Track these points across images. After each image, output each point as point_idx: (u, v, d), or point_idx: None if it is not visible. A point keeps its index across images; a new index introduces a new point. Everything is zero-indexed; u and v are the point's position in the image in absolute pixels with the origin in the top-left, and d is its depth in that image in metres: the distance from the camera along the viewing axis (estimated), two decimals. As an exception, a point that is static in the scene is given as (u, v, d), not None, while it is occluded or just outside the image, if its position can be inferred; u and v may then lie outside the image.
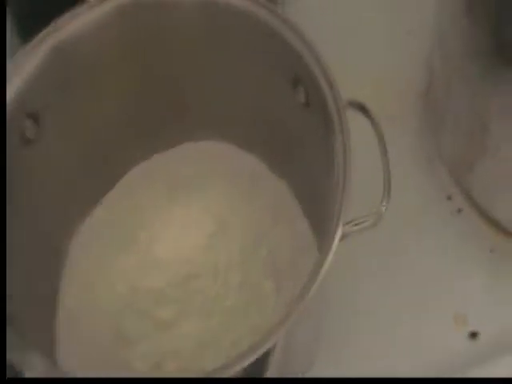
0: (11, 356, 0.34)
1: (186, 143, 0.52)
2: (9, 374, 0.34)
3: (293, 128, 0.45)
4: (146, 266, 0.46)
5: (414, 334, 0.47)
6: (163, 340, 0.43)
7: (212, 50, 0.46)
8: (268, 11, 0.42)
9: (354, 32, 0.58)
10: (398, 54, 0.57)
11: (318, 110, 0.40)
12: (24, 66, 0.41)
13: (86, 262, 0.48)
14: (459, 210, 0.52)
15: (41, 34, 0.41)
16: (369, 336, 0.47)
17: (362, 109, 0.40)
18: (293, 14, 0.43)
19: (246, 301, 0.44)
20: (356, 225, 0.36)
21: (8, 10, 0.54)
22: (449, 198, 0.52)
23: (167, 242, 0.46)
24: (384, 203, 0.37)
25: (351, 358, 0.46)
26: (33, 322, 0.42)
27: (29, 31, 0.43)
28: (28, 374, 0.34)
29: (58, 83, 0.43)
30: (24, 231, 0.43)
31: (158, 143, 0.51)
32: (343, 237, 0.35)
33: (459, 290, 0.49)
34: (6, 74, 0.41)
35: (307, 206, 0.47)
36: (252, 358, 0.32)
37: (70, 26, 0.42)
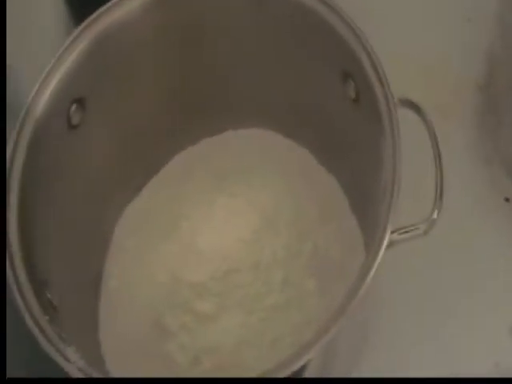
0: (50, 349, 0.34)
1: (232, 131, 0.51)
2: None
3: (342, 123, 0.44)
4: (187, 257, 0.45)
5: (464, 344, 0.45)
6: (203, 334, 0.43)
7: (260, 39, 0.45)
8: (319, 1, 0.40)
9: (408, 19, 0.55)
10: (456, 43, 0.53)
11: (368, 107, 0.39)
12: (70, 52, 0.41)
13: (129, 248, 0.48)
14: (518, 215, 0.49)
15: (86, 21, 0.41)
16: (415, 344, 0.45)
17: (415, 107, 0.38)
18: (343, 3, 0.40)
19: (287, 299, 0.43)
20: (405, 232, 0.34)
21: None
22: (507, 200, 0.49)
23: (210, 235, 0.46)
24: (436, 210, 0.35)
25: (396, 365, 0.44)
26: (76, 308, 0.42)
27: (81, 15, 0.42)
28: (65, 368, 0.34)
29: (102, 69, 0.43)
30: (68, 216, 0.44)
31: (203, 130, 0.51)
32: (391, 244, 0.34)
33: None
34: (56, 57, 0.41)
35: (355, 202, 0.46)
36: (293, 369, 0.31)
37: (113, 14, 0.42)
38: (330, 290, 0.43)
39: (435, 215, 0.35)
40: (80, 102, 0.42)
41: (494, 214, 0.49)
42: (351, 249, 0.44)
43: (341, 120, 0.44)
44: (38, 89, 0.40)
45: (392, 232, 0.34)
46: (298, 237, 0.45)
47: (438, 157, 0.36)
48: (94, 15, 0.42)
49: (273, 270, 0.44)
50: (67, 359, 0.34)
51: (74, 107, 0.42)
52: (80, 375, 0.33)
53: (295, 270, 0.44)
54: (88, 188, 0.46)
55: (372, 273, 0.32)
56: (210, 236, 0.46)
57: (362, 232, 0.45)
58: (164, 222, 0.48)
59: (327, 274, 0.44)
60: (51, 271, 0.40)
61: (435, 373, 0.44)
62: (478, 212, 0.49)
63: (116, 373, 0.42)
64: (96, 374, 0.33)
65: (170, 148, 0.51)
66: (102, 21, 0.42)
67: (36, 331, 0.34)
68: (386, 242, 0.33)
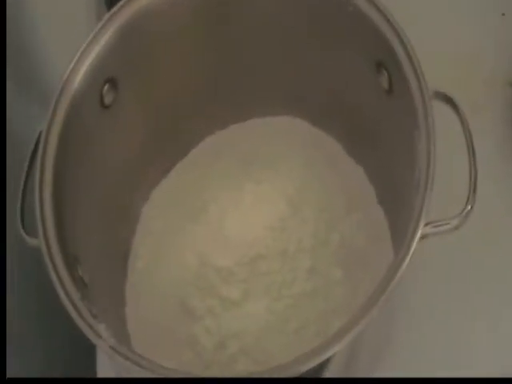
0: (83, 326, 0.34)
1: (260, 118, 0.51)
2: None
3: (373, 114, 0.44)
4: (215, 241, 0.46)
5: (490, 343, 0.45)
6: (228, 319, 0.43)
7: (292, 27, 0.45)
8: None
9: (442, 13, 0.54)
10: (490, 37, 0.53)
11: (402, 100, 0.38)
12: (103, 34, 0.42)
13: (156, 230, 0.49)
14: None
15: (118, 5, 0.42)
16: (439, 344, 0.45)
17: (450, 101, 0.38)
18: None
19: (313, 287, 0.43)
20: (438, 226, 0.34)
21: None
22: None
23: (237, 220, 0.46)
24: (469, 205, 0.35)
25: (419, 364, 0.44)
26: (105, 287, 0.43)
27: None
28: (98, 345, 0.34)
29: (134, 51, 0.44)
30: (97, 194, 0.44)
31: (232, 116, 0.51)
32: (423, 237, 0.34)
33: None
34: (89, 39, 0.41)
35: (383, 194, 0.46)
36: (316, 362, 0.31)
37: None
38: (356, 280, 0.44)
39: (468, 210, 0.35)
40: (112, 82, 0.43)
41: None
42: (377, 239, 0.45)
43: (372, 111, 0.44)
44: (72, 69, 0.41)
45: (425, 225, 0.34)
46: (325, 226, 0.45)
47: (471, 151, 0.36)
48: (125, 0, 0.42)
49: (299, 257, 0.44)
50: (99, 335, 0.34)
51: (106, 87, 0.42)
52: (111, 352, 0.33)
53: (322, 259, 0.44)
54: (118, 168, 0.46)
55: (405, 264, 0.32)
56: (238, 222, 0.46)
57: (388, 223, 0.45)
58: (191, 205, 0.49)
59: (353, 263, 0.44)
60: (82, 248, 0.40)
61: (459, 373, 0.44)
62: (509, 208, 0.48)
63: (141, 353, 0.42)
64: (126, 352, 0.34)
65: (198, 132, 0.51)
66: (133, 5, 0.42)
67: (70, 307, 0.35)
68: (419, 235, 0.33)
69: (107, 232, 0.45)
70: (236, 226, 0.46)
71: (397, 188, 0.41)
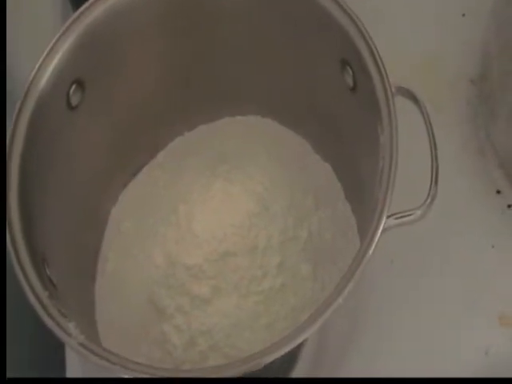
0: (51, 324, 0.34)
1: (230, 117, 0.52)
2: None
3: (339, 111, 0.45)
4: (184, 240, 0.46)
5: (455, 332, 0.46)
6: (198, 316, 0.43)
7: (257, 27, 0.45)
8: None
9: (404, 12, 0.55)
10: (451, 37, 0.54)
11: (366, 96, 0.39)
12: (69, 34, 0.42)
13: (125, 231, 0.49)
14: (509, 206, 0.50)
15: (83, 6, 0.42)
16: (405, 331, 0.46)
17: (412, 97, 0.39)
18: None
19: (282, 283, 0.44)
20: (400, 217, 0.35)
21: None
22: (498, 192, 0.50)
23: (206, 218, 0.46)
24: (431, 196, 0.36)
25: (387, 354, 0.45)
26: (73, 289, 0.43)
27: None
28: (66, 342, 0.34)
29: (100, 53, 0.44)
30: (65, 196, 0.44)
31: (201, 116, 0.51)
32: (386, 229, 0.34)
33: (506, 287, 0.47)
34: (55, 39, 0.41)
35: (350, 189, 0.47)
36: (288, 349, 0.31)
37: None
38: (324, 275, 0.44)
39: (430, 201, 0.36)
40: (79, 83, 0.43)
41: (486, 204, 0.49)
42: (345, 235, 0.45)
43: (339, 108, 0.44)
44: (38, 69, 0.41)
45: (388, 216, 0.34)
46: (294, 222, 0.46)
47: (433, 144, 0.37)
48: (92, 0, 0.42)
49: (269, 254, 0.44)
50: (68, 333, 0.34)
51: (73, 88, 0.42)
52: (81, 350, 0.33)
53: (291, 255, 0.45)
54: (86, 169, 0.46)
55: (369, 254, 0.33)
56: (206, 219, 0.46)
57: (356, 218, 0.46)
58: (160, 206, 0.49)
59: (322, 258, 0.45)
60: (50, 250, 0.40)
61: (425, 360, 0.45)
62: (471, 202, 0.49)
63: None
64: (96, 349, 0.34)
65: (167, 133, 0.51)
66: (99, 6, 0.42)
67: (37, 306, 0.34)
68: (382, 226, 0.34)
69: (76, 234, 0.45)
70: (205, 224, 0.46)
71: (363, 183, 0.41)
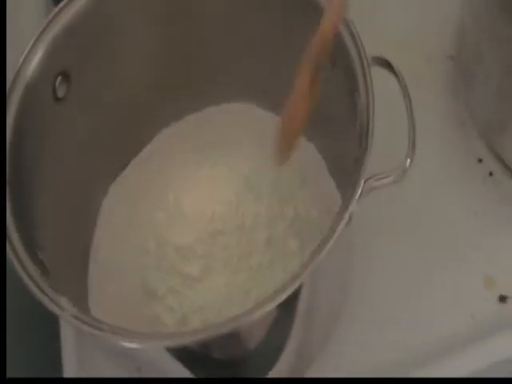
0: (44, 299, 0.35)
1: (215, 106, 0.52)
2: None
3: (321, 91, 0.45)
4: (173, 221, 0.47)
5: (440, 295, 0.47)
6: (190, 296, 0.44)
7: (236, 10, 0.46)
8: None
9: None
10: (428, 12, 0.55)
11: (344, 69, 0.40)
12: (53, 26, 0.42)
13: (117, 219, 0.50)
14: (490, 174, 0.51)
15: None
16: (391, 295, 0.47)
17: (387, 65, 0.40)
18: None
19: (271, 259, 0.44)
20: (379, 179, 0.36)
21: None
22: (480, 160, 0.51)
23: (194, 198, 0.47)
24: (408, 158, 0.36)
25: (375, 317, 0.46)
26: (66, 274, 0.43)
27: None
28: (60, 315, 0.35)
29: (85, 44, 0.44)
30: (56, 188, 0.45)
31: (187, 106, 0.52)
32: (367, 191, 0.35)
33: (490, 252, 0.48)
34: (40, 30, 0.42)
35: (334, 167, 0.48)
36: (280, 299, 0.33)
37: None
38: (311, 249, 0.45)
39: (408, 164, 0.36)
40: (65, 75, 0.43)
41: (467, 172, 0.50)
42: (330, 210, 0.45)
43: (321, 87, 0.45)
44: (24, 60, 0.41)
45: (367, 179, 0.35)
46: (280, 200, 0.46)
47: (409, 108, 0.38)
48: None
49: (256, 231, 0.45)
50: (61, 307, 0.34)
51: (59, 80, 0.43)
52: (74, 321, 0.34)
53: (278, 232, 0.45)
54: (74, 161, 0.47)
55: (349, 211, 0.33)
56: (195, 201, 0.47)
57: (340, 193, 0.46)
58: (150, 195, 0.50)
59: (308, 234, 0.46)
60: (42, 238, 0.40)
61: (412, 325, 0.45)
62: (453, 171, 0.50)
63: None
64: (88, 319, 0.34)
65: (154, 124, 0.52)
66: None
67: (29, 282, 0.35)
68: (361, 187, 0.34)
69: (68, 225, 0.46)
70: (193, 204, 0.47)
71: (344, 158, 0.42)
